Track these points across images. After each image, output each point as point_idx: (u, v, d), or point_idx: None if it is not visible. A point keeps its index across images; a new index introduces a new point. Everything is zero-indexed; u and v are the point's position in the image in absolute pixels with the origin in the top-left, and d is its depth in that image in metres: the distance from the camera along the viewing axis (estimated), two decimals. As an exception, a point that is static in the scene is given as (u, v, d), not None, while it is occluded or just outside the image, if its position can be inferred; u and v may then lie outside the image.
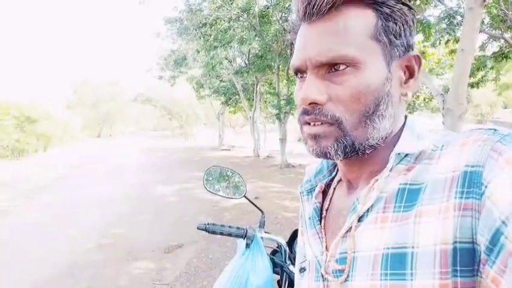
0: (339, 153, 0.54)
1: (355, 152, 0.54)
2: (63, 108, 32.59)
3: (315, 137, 0.55)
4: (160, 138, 38.59)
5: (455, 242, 0.42)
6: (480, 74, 8.89)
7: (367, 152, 0.55)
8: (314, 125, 0.55)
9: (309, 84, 0.53)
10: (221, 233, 1.42)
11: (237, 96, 17.93)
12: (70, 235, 5.47)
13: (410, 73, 0.57)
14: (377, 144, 0.55)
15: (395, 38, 0.53)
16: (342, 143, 0.53)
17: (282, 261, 1.45)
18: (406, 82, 0.57)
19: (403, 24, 0.54)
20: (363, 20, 0.52)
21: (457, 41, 7.06)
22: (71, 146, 27.08)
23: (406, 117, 0.59)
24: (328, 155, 0.54)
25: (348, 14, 0.52)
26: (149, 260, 4.40)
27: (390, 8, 0.52)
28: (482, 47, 8.68)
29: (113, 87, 45.57)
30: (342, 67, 0.51)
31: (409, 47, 0.56)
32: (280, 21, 11.15)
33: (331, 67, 0.52)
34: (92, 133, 42.70)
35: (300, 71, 0.57)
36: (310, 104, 0.53)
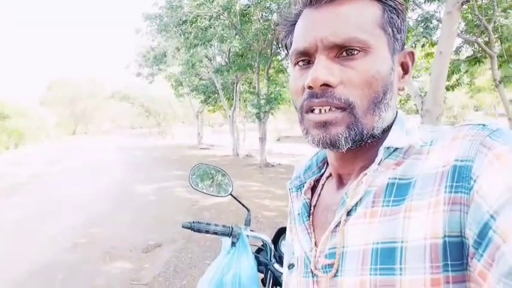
0: (349, 141, 0.52)
1: (361, 141, 0.53)
2: (37, 105, 31.69)
3: (324, 125, 0.53)
4: (138, 136, 38.02)
5: (444, 236, 0.42)
6: (454, 77, 9.17)
7: (369, 141, 0.54)
8: (321, 111, 0.53)
9: (320, 65, 0.51)
10: (207, 232, 1.39)
11: (216, 95, 17.86)
12: (45, 235, 5.30)
13: (404, 69, 0.59)
14: (377, 135, 0.54)
15: (397, 32, 0.55)
16: (353, 130, 0.52)
17: (266, 260, 1.43)
18: (402, 77, 0.59)
19: (403, 20, 0.56)
20: (371, 8, 0.53)
21: (433, 44, 7.26)
22: (45, 143, 26.33)
23: (397, 113, 0.59)
24: (337, 143, 0.52)
25: (357, 1, 0.53)
26: (127, 259, 4.31)
27: (394, 2, 0.55)
28: (457, 51, 8.95)
29: (90, 84, 44.64)
30: (354, 52, 0.51)
31: (404, 45, 0.58)
32: (261, 21, 11.16)
33: (341, 51, 0.52)
34: (66, 130, 41.66)
35: (305, 55, 0.55)
36: (321, 86, 0.51)
